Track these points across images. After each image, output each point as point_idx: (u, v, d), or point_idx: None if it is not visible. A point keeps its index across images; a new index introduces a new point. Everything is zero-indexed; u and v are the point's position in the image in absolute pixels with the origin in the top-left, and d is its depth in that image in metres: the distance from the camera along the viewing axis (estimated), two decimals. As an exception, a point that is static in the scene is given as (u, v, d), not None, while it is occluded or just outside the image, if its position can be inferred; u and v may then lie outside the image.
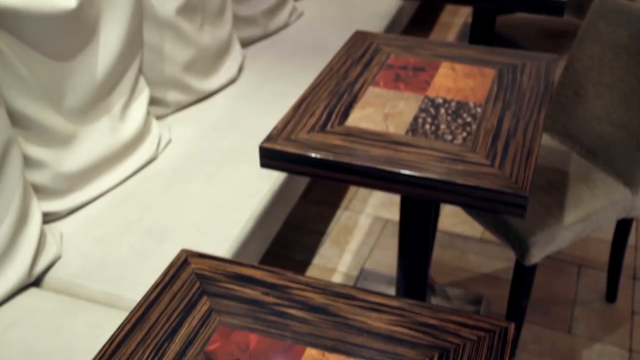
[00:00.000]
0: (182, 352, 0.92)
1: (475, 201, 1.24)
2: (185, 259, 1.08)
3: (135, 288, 1.50)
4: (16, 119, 1.56)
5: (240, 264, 1.07)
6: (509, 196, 1.21)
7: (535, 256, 1.66)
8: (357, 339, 0.93)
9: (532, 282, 1.75)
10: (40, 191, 1.64)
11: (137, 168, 1.86)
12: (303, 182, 2.07)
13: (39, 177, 1.62)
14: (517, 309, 1.78)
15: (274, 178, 1.85)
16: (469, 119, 1.40)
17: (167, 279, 1.04)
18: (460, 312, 0.97)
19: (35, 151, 1.61)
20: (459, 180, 1.23)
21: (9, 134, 1.48)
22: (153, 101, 2.08)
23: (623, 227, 1.88)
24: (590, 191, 1.72)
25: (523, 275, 1.71)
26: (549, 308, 2.07)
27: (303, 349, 0.92)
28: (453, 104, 1.46)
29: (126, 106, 1.86)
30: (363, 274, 2.18)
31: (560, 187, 1.74)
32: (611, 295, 2.06)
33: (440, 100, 1.47)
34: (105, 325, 1.41)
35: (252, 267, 1.06)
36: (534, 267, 1.71)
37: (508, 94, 1.49)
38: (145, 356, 0.91)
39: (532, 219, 1.65)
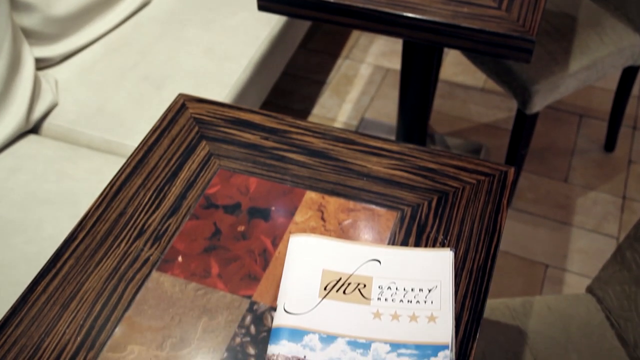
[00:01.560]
0: (182, 195, 0.93)
1: (479, 46, 1.20)
2: (183, 104, 1.06)
3: (134, 135, 1.50)
4: (-1, -42, 1.48)
5: (238, 109, 1.05)
6: (515, 40, 1.17)
7: (538, 104, 1.64)
8: (357, 183, 0.94)
9: (532, 131, 1.74)
10: (31, 36, 1.59)
11: (131, 13, 1.79)
12: (302, 29, 2.00)
13: (28, 20, 1.56)
14: (516, 157, 1.79)
15: (273, 24, 1.79)
16: (477, -41, 1.33)
17: (165, 123, 1.03)
18: (460, 156, 0.96)
19: (23, -7, 1.54)
20: (464, 24, 1.19)
21: (-7, -25, 1.41)
22: (143, -59, 1.96)
23: (629, 75, 1.84)
24: (598, 37, 1.67)
25: (524, 124, 1.70)
26: (547, 158, 2.08)
27: (303, 192, 0.93)
28: (461, -58, 1.37)
29: (115, -54, 1.76)
30: (363, 123, 2.18)
31: (567, 33, 1.68)
32: (610, 144, 2.07)
33: (447, -62, 1.38)
34: (106, 171, 1.42)
35: (251, 111, 1.05)
36: (535, 116, 1.70)
37: None
38: (147, 199, 0.92)
39: (537, 66, 1.62)
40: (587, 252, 1.83)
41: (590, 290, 1.22)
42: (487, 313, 1.18)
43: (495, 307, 1.19)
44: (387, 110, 2.24)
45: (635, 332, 1.10)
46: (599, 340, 1.14)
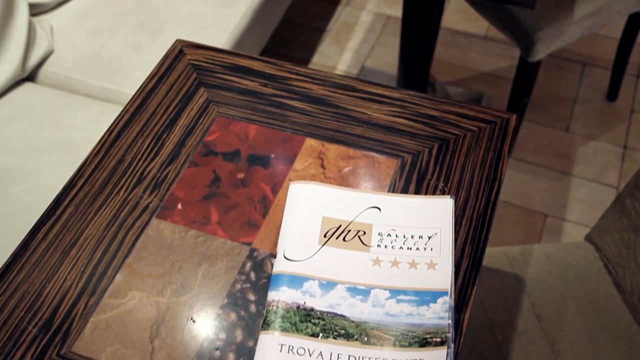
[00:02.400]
0: (181, 143, 0.92)
1: (483, -9, 1.18)
2: (180, 50, 1.04)
3: (132, 83, 1.48)
4: None
5: (237, 55, 1.03)
6: (520, -15, 1.14)
7: (541, 52, 1.62)
8: (357, 130, 0.93)
9: (534, 80, 1.72)
10: (25, -19, 1.56)
11: (126, -43, 1.75)
12: (302, -26, 1.96)
13: (21, -35, 1.53)
14: (517, 107, 1.77)
15: (271, -31, 1.75)
16: None
17: (162, 70, 1.01)
18: (461, 103, 0.95)
19: (15, -64, 1.50)
20: (468, -32, 1.16)
21: None
22: None
23: (634, 22, 1.81)
24: (604, -17, 1.64)
25: (526, 72, 1.68)
26: (549, 107, 2.06)
27: (302, 140, 0.92)
28: None
29: None
30: (363, 71, 2.15)
31: (572, -21, 1.65)
32: (613, 93, 2.05)
33: None
34: (104, 119, 1.41)
35: (250, 58, 1.03)
36: (537, 64, 1.68)
37: None
38: (145, 146, 0.91)
39: (540, 13, 1.59)
40: (586, 201, 1.83)
41: (589, 238, 1.22)
42: (486, 261, 1.18)
43: (495, 255, 1.19)
44: (388, 58, 2.21)
45: (632, 279, 1.11)
46: (596, 287, 1.15)
